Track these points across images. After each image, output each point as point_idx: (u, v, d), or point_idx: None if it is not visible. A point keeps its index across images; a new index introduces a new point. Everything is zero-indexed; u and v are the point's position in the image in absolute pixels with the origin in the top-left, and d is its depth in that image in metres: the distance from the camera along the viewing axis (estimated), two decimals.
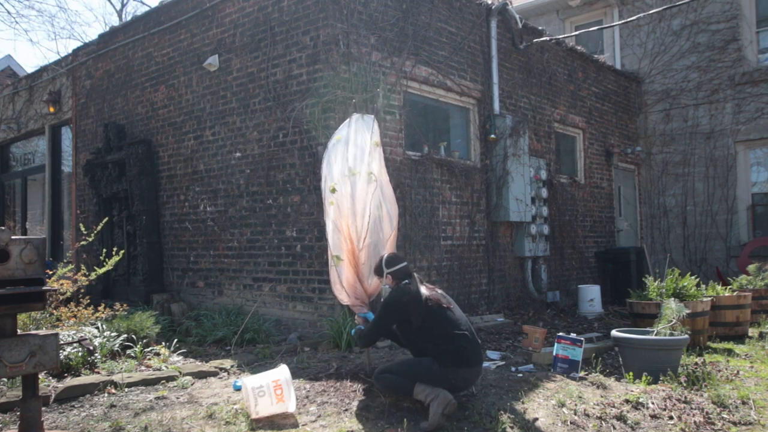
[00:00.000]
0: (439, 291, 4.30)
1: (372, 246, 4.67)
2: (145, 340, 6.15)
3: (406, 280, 4.28)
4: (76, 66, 10.59)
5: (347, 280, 4.69)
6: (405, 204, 7.22)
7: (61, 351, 4.95)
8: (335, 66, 6.67)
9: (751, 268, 8.63)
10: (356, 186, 4.63)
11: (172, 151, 8.64)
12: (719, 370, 5.62)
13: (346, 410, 4.18)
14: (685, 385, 5.02)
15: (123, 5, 29.22)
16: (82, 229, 7.34)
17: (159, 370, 5.43)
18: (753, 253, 11.04)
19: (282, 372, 4.22)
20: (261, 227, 7.35)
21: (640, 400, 4.50)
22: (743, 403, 4.64)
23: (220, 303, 7.78)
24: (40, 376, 4.00)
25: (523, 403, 4.35)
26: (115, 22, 26.71)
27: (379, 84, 7.06)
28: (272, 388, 4.06)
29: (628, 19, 10.64)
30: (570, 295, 9.93)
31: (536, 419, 4.06)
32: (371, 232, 4.63)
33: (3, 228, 3.44)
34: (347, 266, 4.67)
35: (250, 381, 4.15)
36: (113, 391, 4.81)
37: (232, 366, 5.54)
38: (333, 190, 4.65)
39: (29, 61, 48.83)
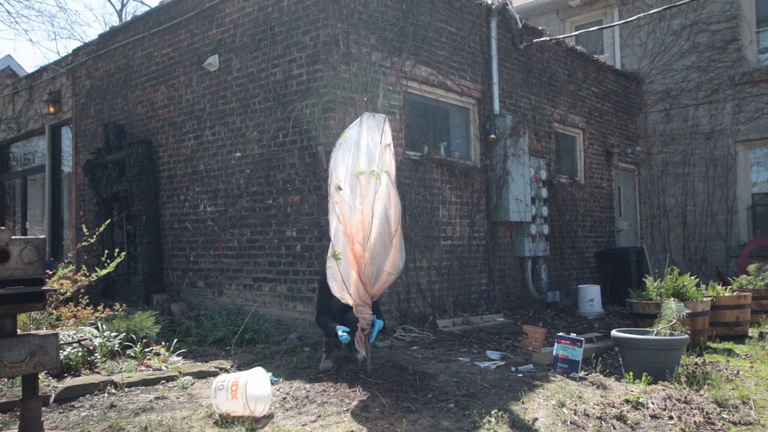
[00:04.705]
0: None
1: (377, 246, 4.64)
2: (145, 340, 6.15)
3: None
4: (76, 66, 10.59)
5: (351, 280, 4.67)
6: (405, 204, 7.21)
7: (61, 351, 4.97)
8: (335, 66, 6.67)
9: (751, 268, 8.63)
10: (363, 185, 4.60)
11: (172, 151, 8.64)
12: (719, 370, 5.62)
13: (346, 410, 4.18)
14: (685, 385, 5.02)
15: (123, 5, 29.26)
16: (84, 230, 7.34)
17: (159, 370, 5.43)
18: (753, 253, 11.04)
19: (249, 374, 4.19)
20: (261, 227, 7.35)
21: (640, 400, 4.50)
22: (743, 403, 4.63)
23: (220, 303, 7.78)
24: (40, 376, 4.00)
25: (523, 403, 4.35)
26: (115, 22, 26.72)
27: (379, 84, 7.06)
28: (230, 385, 4.09)
29: (628, 19, 10.64)
30: (570, 295, 9.93)
31: (536, 419, 4.06)
32: (377, 232, 4.60)
33: (3, 228, 3.44)
34: (350, 266, 4.64)
35: (221, 377, 4.27)
36: (113, 391, 4.81)
37: (231, 366, 5.53)
38: (338, 189, 4.63)
39: (29, 61, 48.89)
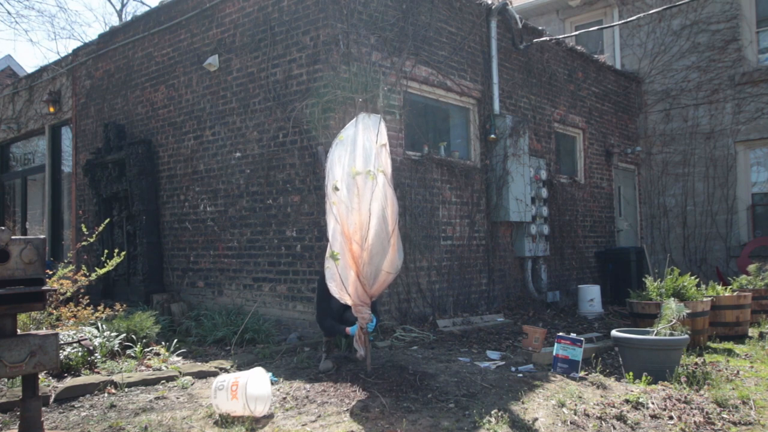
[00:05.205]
0: None
1: (375, 246, 4.65)
2: (145, 340, 6.15)
3: None
4: (76, 66, 10.59)
5: (350, 281, 4.67)
6: (405, 204, 7.22)
7: (61, 351, 4.97)
8: (335, 66, 6.67)
9: (751, 268, 8.63)
10: (360, 186, 4.60)
11: (172, 151, 8.64)
12: (719, 370, 5.62)
13: (346, 410, 4.18)
14: (685, 385, 5.02)
15: (123, 5, 29.28)
16: (84, 230, 7.34)
17: (159, 370, 5.43)
18: (753, 253, 11.04)
19: (249, 374, 4.19)
20: (261, 227, 7.35)
21: (640, 400, 4.50)
22: (743, 403, 4.64)
23: (220, 303, 7.78)
24: (40, 376, 4.00)
25: (523, 403, 4.35)
26: (115, 22, 26.73)
27: (379, 84, 7.06)
28: (230, 385, 4.09)
29: (628, 19, 10.64)
30: (570, 295, 9.93)
31: (536, 419, 4.06)
32: (374, 232, 4.61)
33: (3, 228, 3.44)
34: (348, 266, 4.65)
35: (221, 377, 4.28)
36: (113, 391, 4.81)
37: (231, 366, 5.54)
38: (335, 189, 4.63)
39: (29, 61, 48.91)
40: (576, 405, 4.34)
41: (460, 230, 8.16)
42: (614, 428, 4.07)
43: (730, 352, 6.60)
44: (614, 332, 5.75)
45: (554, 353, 5.39)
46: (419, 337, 6.60)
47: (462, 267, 8.12)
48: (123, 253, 7.38)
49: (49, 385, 4.81)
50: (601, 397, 4.64)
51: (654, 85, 12.87)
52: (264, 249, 7.31)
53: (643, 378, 5.18)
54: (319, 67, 6.73)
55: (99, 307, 6.49)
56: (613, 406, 4.39)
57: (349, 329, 5.08)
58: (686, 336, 5.49)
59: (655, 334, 5.51)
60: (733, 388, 5.02)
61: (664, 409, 4.39)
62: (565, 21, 14.12)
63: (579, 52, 11.03)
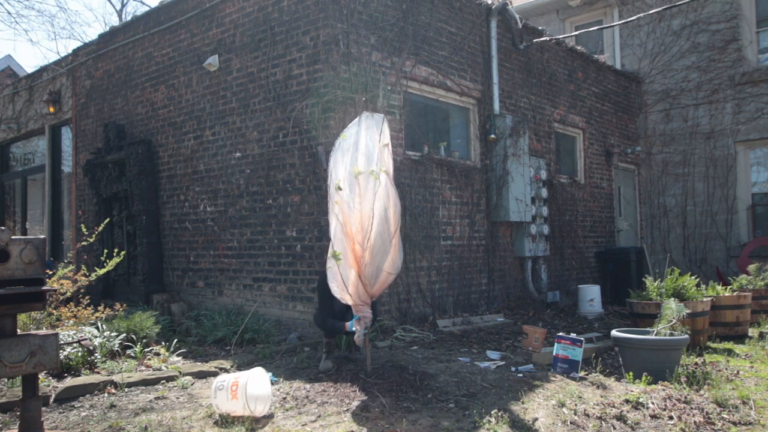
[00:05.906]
0: None
1: (376, 246, 4.64)
2: (145, 340, 6.15)
3: None
4: (76, 66, 10.59)
5: (351, 281, 4.67)
6: (405, 204, 7.21)
7: (61, 351, 4.97)
8: (335, 66, 6.67)
9: (751, 268, 8.63)
10: (363, 185, 4.59)
11: (172, 151, 8.64)
12: (719, 370, 5.62)
13: (346, 410, 4.18)
14: (685, 385, 5.02)
15: (123, 5, 29.28)
16: (84, 230, 7.34)
17: (159, 370, 5.43)
18: (753, 253, 11.04)
19: (249, 374, 4.19)
20: (261, 227, 7.35)
21: (640, 400, 4.50)
22: (743, 403, 4.64)
23: (220, 303, 7.78)
24: (40, 376, 4.00)
25: (523, 403, 4.35)
26: (115, 22, 26.73)
27: (379, 84, 7.06)
28: (230, 385, 4.09)
29: (628, 19, 10.64)
30: (570, 295, 9.93)
31: (536, 419, 4.06)
32: (376, 232, 4.60)
33: (3, 228, 3.44)
34: (350, 266, 4.64)
35: (221, 377, 4.28)
36: (113, 391, 4.81)
37: (231, 366, 5.54)
38: (338, 188, 4.63)
39: (29, 61, 48.91)
40: (576, 405, 4.34)
41: (460, 230, 8.16)
42: (614, 428, 4.07)
43: (730, 352, 6.60)
44: (614, 332, 5.75)
45: (554, 353, 5.39)
46: (419, 337, 6.60)
47: (462, 267, 8.12)
48: (123, 253, 7.39)
49: (49, 385, 4.81)
50: (601, 397, 4.64)
51: (654, 85, 12.87)
52: (264, 249, 7.31)
53: (643, 378, 5.19)
54: (319, 67, 6.73)
55: (99, 307, 6.49)
56: (613, 406, 4.39)
57: (347, 324, 5.07)
58: (686, 336, 5.49)
59: (655, 334, 5.51)
60: (733, 388, 5.02)
61: (664, 409, 4.39)
62: (565, 21, 14.12)
63: (579, 52, 11.03)
